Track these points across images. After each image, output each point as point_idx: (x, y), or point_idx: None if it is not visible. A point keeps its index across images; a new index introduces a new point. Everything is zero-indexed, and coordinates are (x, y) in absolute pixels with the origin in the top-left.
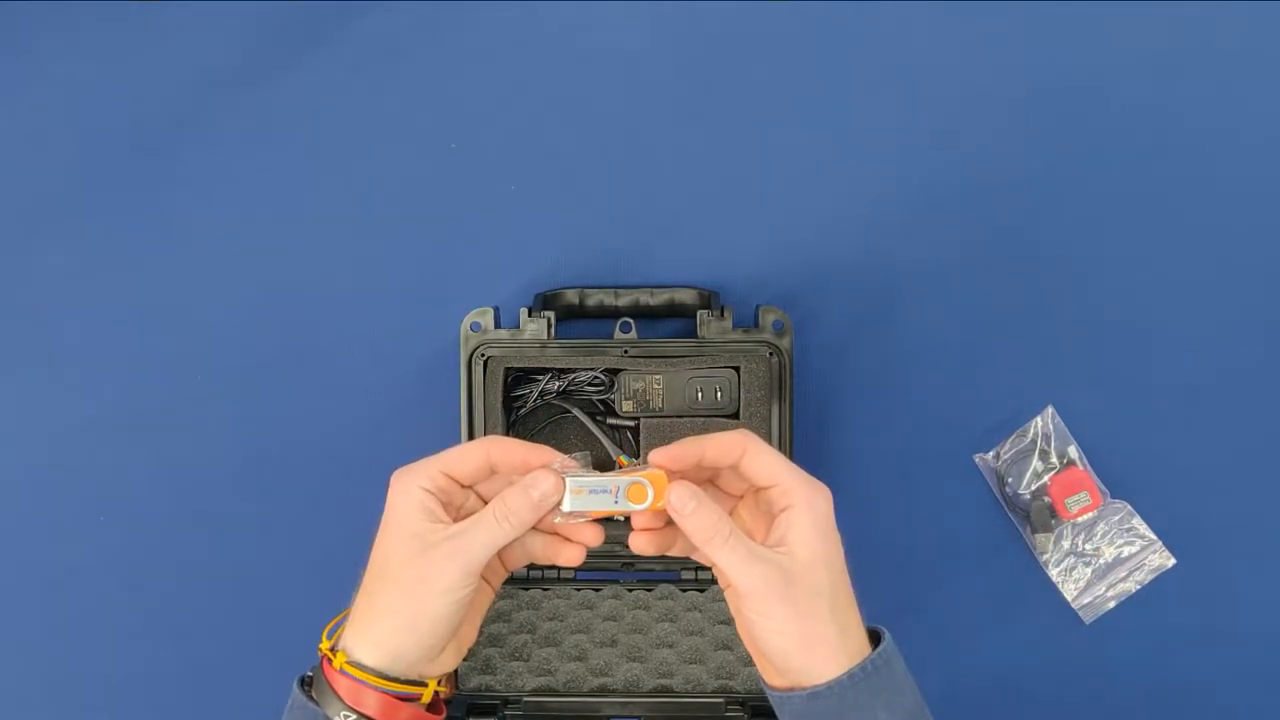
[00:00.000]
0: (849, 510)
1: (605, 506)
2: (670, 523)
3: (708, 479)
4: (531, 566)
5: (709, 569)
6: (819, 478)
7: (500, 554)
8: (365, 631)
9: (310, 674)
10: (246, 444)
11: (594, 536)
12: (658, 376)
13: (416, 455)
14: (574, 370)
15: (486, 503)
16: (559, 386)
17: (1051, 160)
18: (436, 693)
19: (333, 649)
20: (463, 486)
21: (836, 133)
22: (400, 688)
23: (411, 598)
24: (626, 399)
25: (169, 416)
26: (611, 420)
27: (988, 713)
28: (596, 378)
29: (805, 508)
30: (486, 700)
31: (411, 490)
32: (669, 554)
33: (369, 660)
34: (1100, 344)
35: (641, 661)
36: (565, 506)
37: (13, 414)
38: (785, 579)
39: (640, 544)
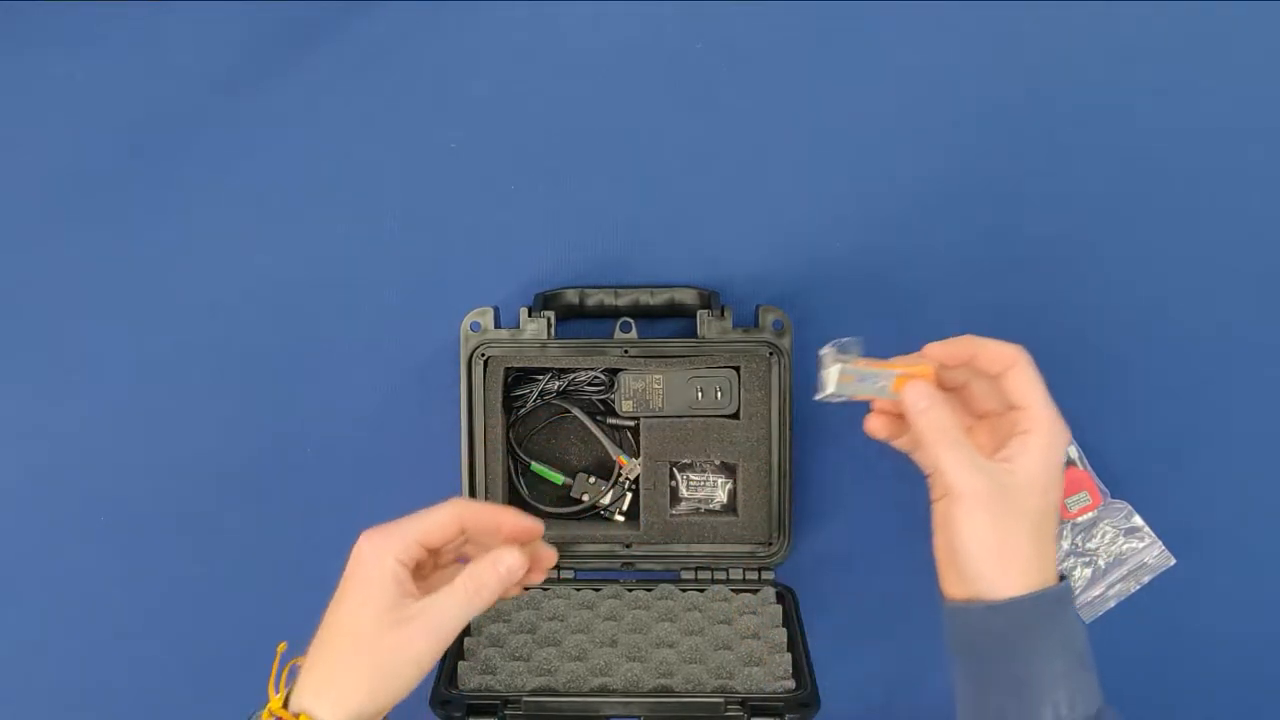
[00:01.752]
0: (849, 509)
1: (869, 394)
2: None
3: (956, 388)
4: None
5: (709, 569)
6: (818, 478)
7: None
8: (327, 692)
9: None
10: (246, 444)
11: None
12: (658, 376)
13: (416, 457)
14: (574, 370)
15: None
16: (559, 386)
17: (1051, 160)
18: None
19: (286, 706)
20: (431, 551)
21: (836, 133)
22: None
23: (382, 669)
24: (626, 399)
25: (169, 416)
26: (612, 420)
27: None
28: (596, 378)
29: (1045, 436)
30: (486, 700)
31: (385, 562)
32: (893, 444)
33: (328, 719)
34: (1100, 344)
35: (641, 661)
36: (829, 388)
37: (13, 414)
38: (1000, 491)
39: (874, 425)
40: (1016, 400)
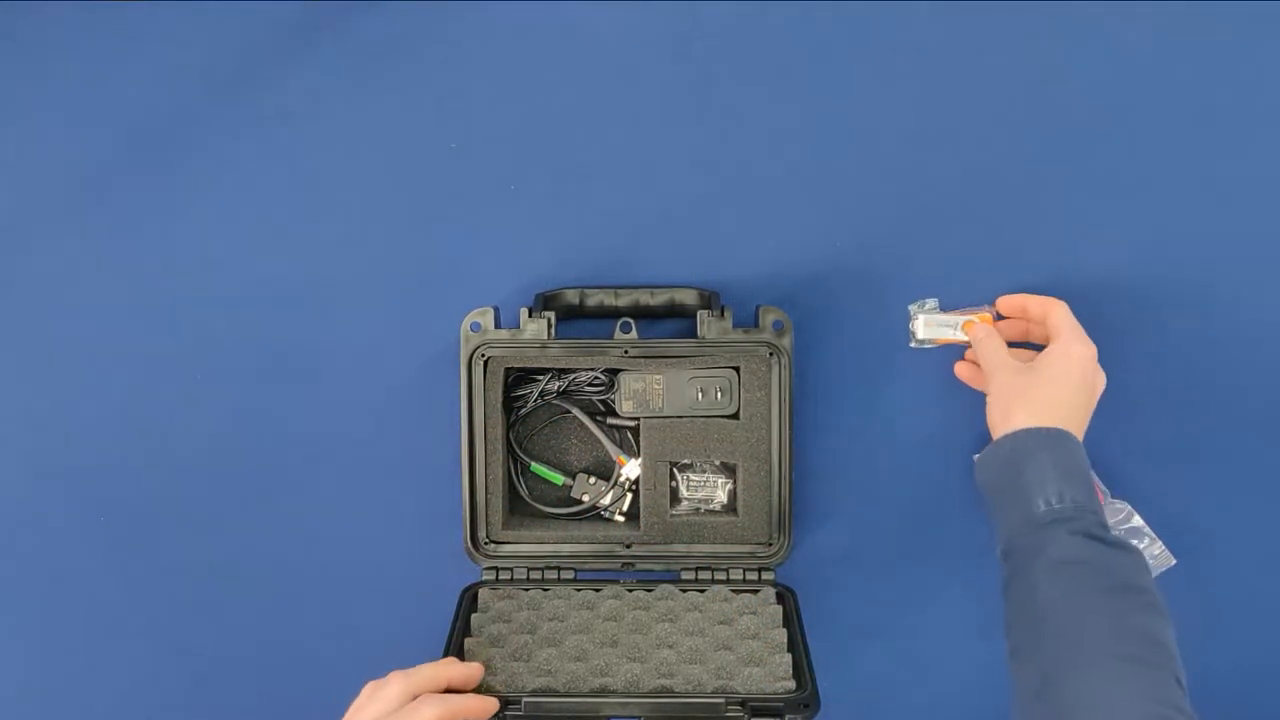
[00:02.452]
0: (849, 509)
1: (947, 335)
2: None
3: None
4: (532, 568)
5: (709, 570)
6: (819, 478)
7: None
8: None
9: None
10: (247, 443)
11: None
12: (658, 377)
13: (416, 456)
14: (574, 370)
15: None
16: (559, 386)
17: (1050, 160)
18: None
19: None
20: None
21: (837, 133)
22: None
23: None
24: (627, 399)
25: (168, 416)
26: (612, 420)
27: (988, 713)
28: (597, 378)
29: (1061, 344)
30: None
31: None
32: (971, 385)
33: None
34: (1100, 344)
35: (642, 662)
36: (920, 334)
37: (13, 414)
38: (1016, 371)
39: (963, 372)
40: (1052, 332)
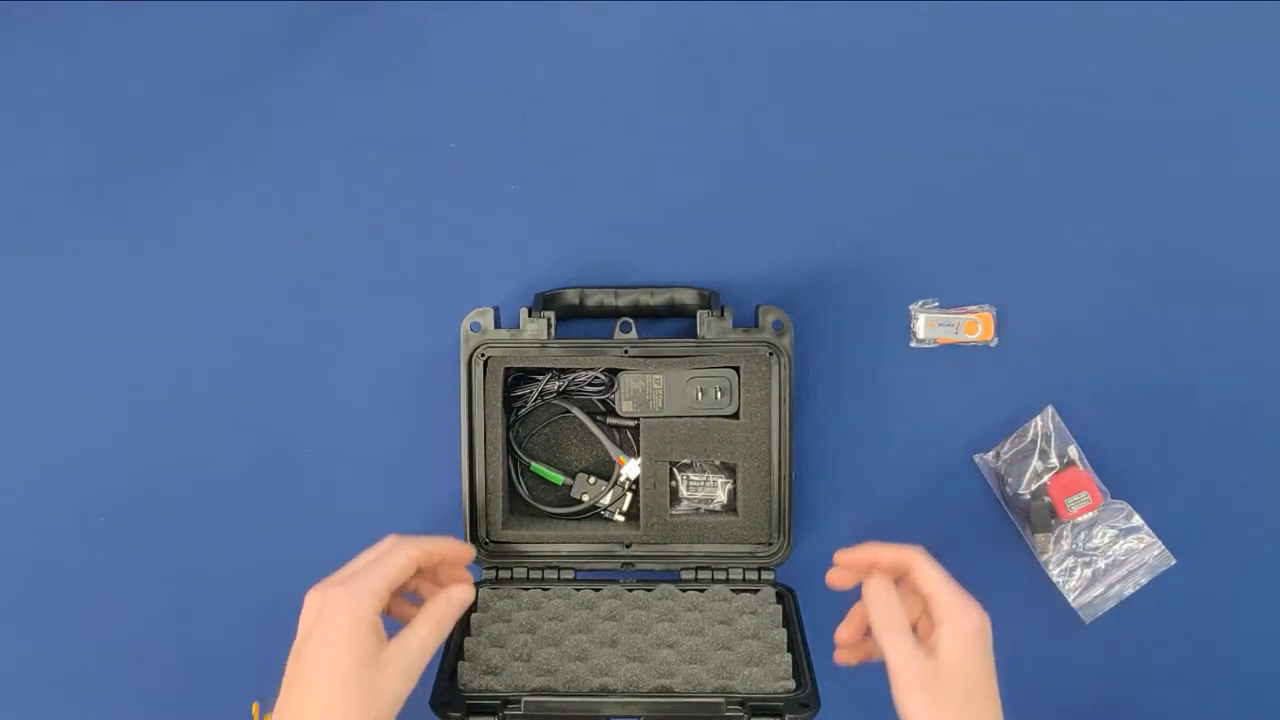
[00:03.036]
0: (850, 510)
1: (947, 335)
2: (865, 635)
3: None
4: (532, 567)
5: (709, 569)
6: (819, 478)
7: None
8: None
9: None
10: (246, 443)
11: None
12: (658, 376)
13: (416, 456)
14: (574, 370)
15: None
16: (559, 386)
17: (1050, 160)
18: None
19: None
20: None
21: (836, 133)
22: None
23: (372, 710)
24: (627, 399)
25: (168, 416)
26: (611, 420)
27: None
28: (597, 377)
29: (955, 625)
30: (487, 700)
31: (363, 614)
32: (860, 653)
33: None
34: (1100, 344)
35: (642, 661)
36: (920, 334)
37: (13, 413)
38: (928, 677)
39: (842, 656)
40: (925, 595)
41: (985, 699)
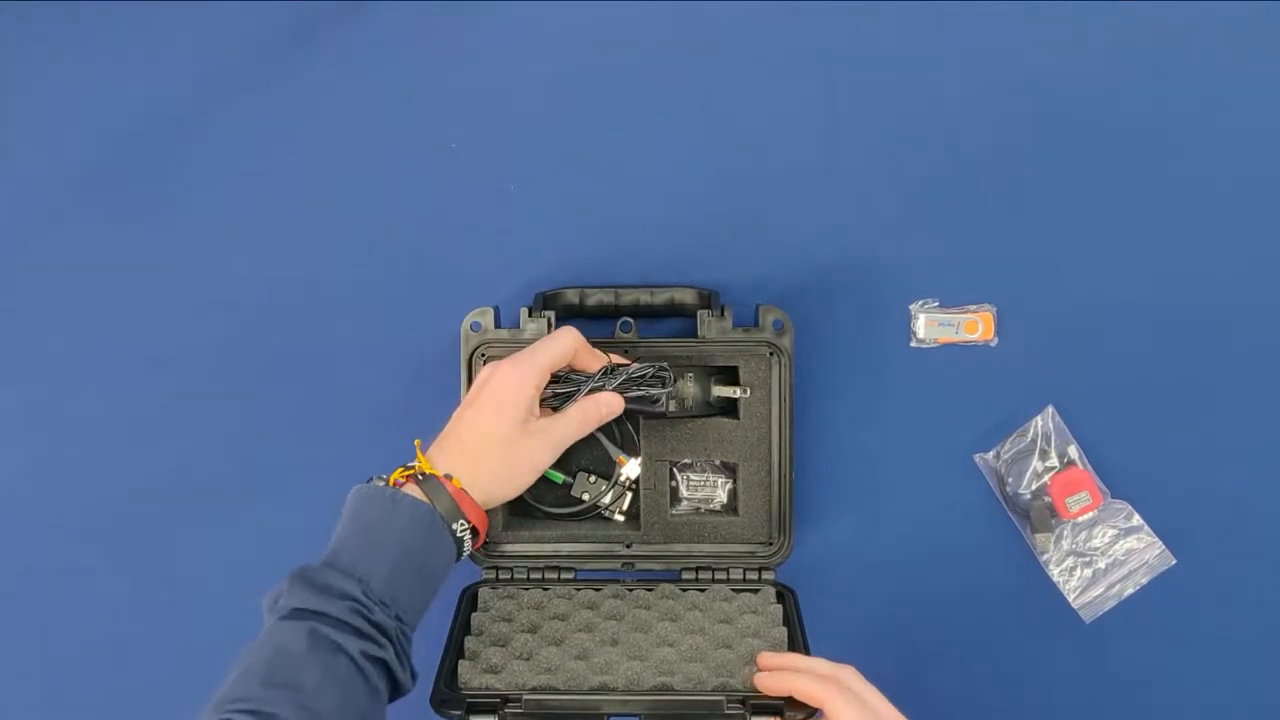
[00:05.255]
0: (850, 510)
1: (947, 335)
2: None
3: None
4: (533, 568)
5: (709, 569)
6: (819, 478)
7: None
8: (472, 477)
9: (381, 482)
10: (247, 443)
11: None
12: (690, 374)
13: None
14: (627, 365)
15: None
16: (606, 384)
17: (1050, 160)
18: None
19: (446, 475)
20: None
21: (837, 133)
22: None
23: (512, 470)
24: (672, 398)
25: (168, 416)
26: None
27: (988, 712)
28: (663, 368)
29: None
30: (487, 698)
31: (526, 388)
32: None
33: (474, 494)
34: (1100, 344)
35: (642, 660)
36: (920, 334)
37: (13, 414)
38: None
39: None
40: None
41: None
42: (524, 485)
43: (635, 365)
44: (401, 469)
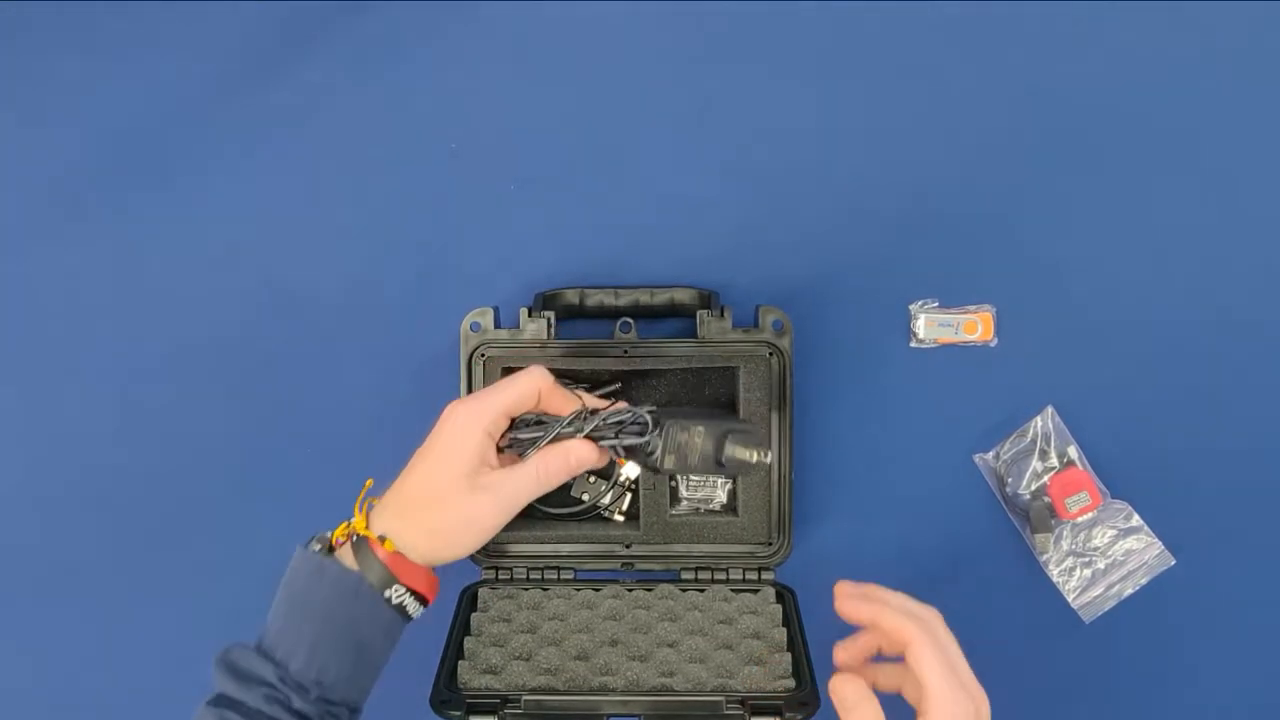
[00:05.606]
0: (850, 510)
1: (947, 335)
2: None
3: None
4: (532, 568)
5: (709, 569)
6: (819, 478)
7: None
8: (407, 537)
9: (319, 545)
10: (247, 444)
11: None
12: (700, 428)
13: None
14: (605, 408)
15: None
16: (581, 429)
17: (1051, 160)
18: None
19: (379, 536)
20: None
21: (836, 133)
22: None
23: (456, 529)
24: (670, 452)
25: (168, 416)
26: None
27: None
28: (639, 417)
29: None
30: (487, 699)
31: (475, 432)
32: None
33: (411, 556)
34: (1100, 344)
35: (642, 660)
36: (920, 334)
37: (13, 414)
38: None
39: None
40: (916, 677)
41: None
42: (469, 546)
43: (614, 408)
44: (344, 525)
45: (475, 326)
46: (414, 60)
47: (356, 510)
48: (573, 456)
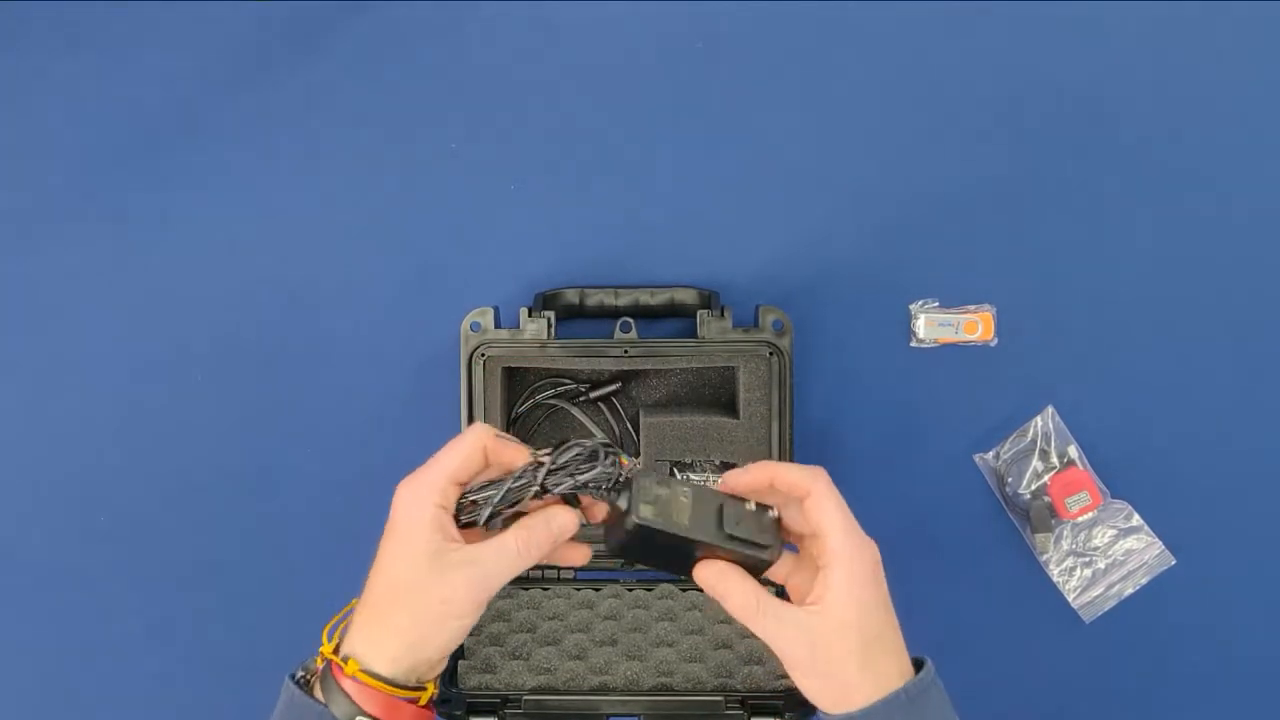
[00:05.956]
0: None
1: (947, 335)
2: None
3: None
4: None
5: None
6: None
7: None
8: (378, 645)
9: (303, 673)
10: (247, 443)
11: (579, 558)
12: (685, 490)
13: (416, 456)
14: (560, 466)
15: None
16: (531, 483)
17: (1051, 160)
18: (432, 695)
19: (336, 652)
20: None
21: (836, 133)
22: (410, 694)
23: (429, 619)
24: (646, 502)
25: (168, 417)
26: (594, 394)
27: (988, 712)
28: (602, 475)
29: (844, 569)
30: (486, 699)
31: (426, 507)
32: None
33: (384, 671)
34: (1100, 344)
35: (641, 660)
36: (920, 334)
37: (13, 414)
38: (815, 643)
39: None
40: (815, 529)
41: (886, 635)
42: (450, 638)
43: (562, 448)
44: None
45: (475, 326)
46: (414, 60)
47: (324, 634)
48: (554, 525)
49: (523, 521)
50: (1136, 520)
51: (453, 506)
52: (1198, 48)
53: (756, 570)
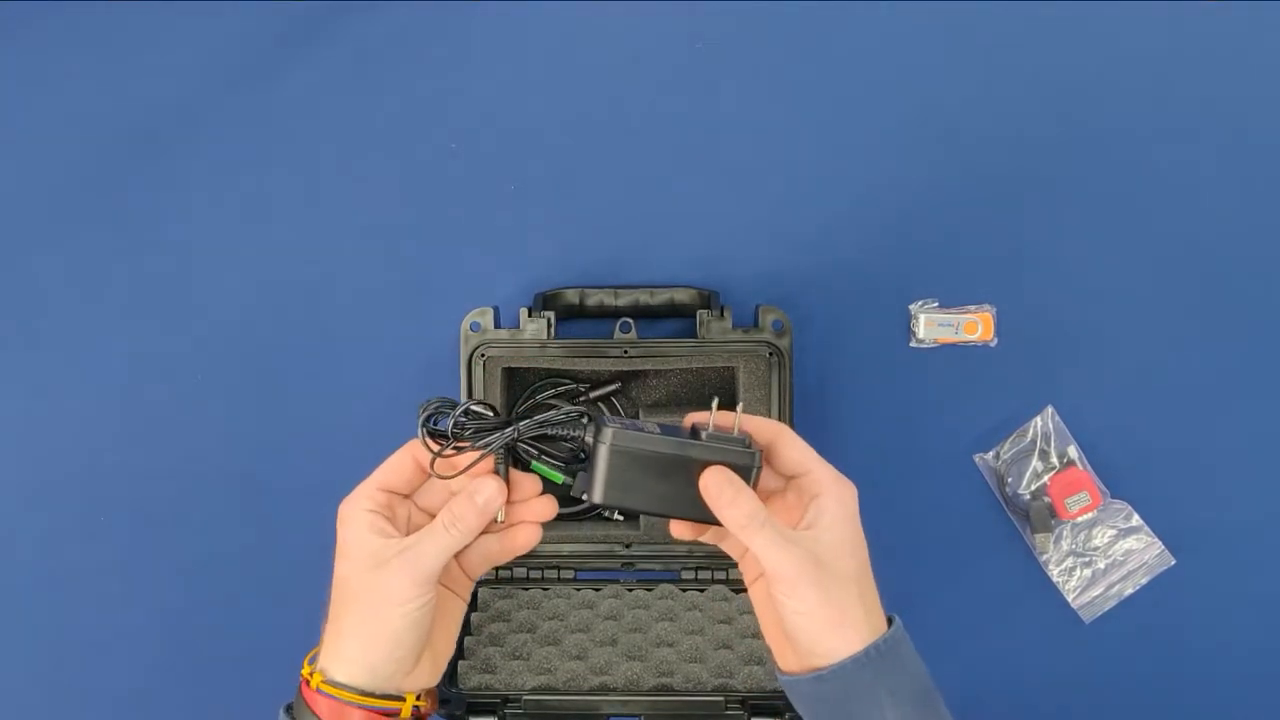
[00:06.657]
0: None
1: (947, 335)
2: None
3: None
4: (532, 567)
5: (708, 569)
6: None
7: (461, 562)
8: (336, 651)
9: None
10: (246, 444)
11: (546, 510)
12: (652, 423)
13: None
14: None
15: (431, 515)
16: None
17: (1051, 160)
18: (416, 707)
19: (311, 673)
20: (404, 496)
21: (836, 133)
22: (379, 703)
23: (373, 613)
24: (617, 429)
25: (168, 416)
26: (594, 394)
27: (988, 712)
28: (582, 412)
29: (834, 496)
30: (486, 699)
31: (357, 514)
32: (701, 540)
33: (345, 678)
34: (1100, 344)
35: (641, 660)
36: (920, 334)
37: (13, 414)
38: (816, 563)
39: (679, 531)
40: (794, 469)
41: (869, 575)
42: (403, 631)
43: (546, 415)
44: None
45: (475, 326)
46: (414, 60)
47: (305, 660)
48: (479, 496)
49: (447, 506)
50: (1136, 520)
51: (385, 509)
52: (1198, 48)
53: (745, 478)
